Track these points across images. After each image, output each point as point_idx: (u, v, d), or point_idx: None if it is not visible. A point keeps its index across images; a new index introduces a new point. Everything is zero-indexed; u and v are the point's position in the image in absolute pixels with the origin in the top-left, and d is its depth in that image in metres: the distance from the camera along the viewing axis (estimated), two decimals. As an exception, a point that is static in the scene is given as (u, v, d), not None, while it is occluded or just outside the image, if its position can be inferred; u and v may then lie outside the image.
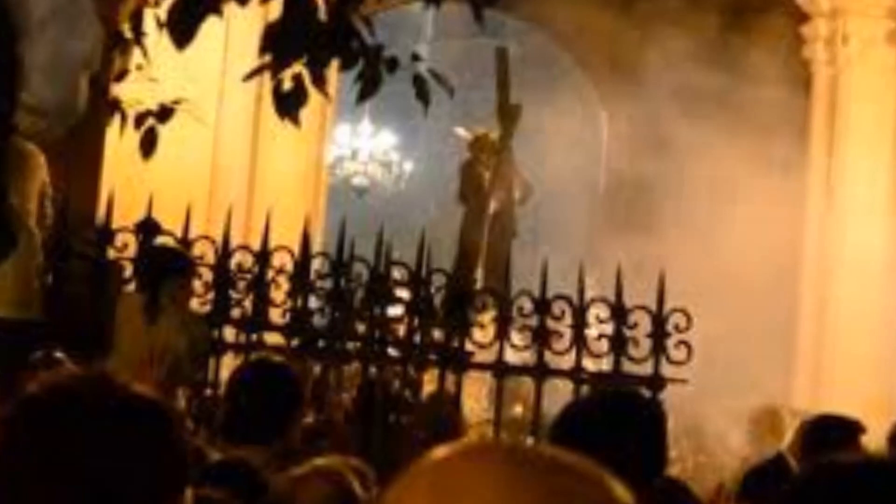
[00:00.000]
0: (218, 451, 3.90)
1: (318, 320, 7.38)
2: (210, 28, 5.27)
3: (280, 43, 5.15)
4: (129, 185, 8.16)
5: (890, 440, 5.58)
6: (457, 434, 6.70)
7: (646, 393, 6.55)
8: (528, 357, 7.67)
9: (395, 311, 7.43)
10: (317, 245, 9.27)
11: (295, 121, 5.36)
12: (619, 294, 7.17)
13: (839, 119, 13.45)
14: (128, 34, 6.65)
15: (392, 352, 7.41)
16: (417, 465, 1.14)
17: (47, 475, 1.60)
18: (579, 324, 7.18)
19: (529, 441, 6.72)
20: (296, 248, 7.32)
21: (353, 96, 5.56)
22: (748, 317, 12.23)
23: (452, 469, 1.12)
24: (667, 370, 7.10)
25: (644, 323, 7.15)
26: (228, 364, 6.65)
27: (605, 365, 7.48)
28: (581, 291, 7.24)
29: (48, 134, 6.80)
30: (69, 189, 7.02)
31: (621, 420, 2.97)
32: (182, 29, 4.99)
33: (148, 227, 7.15)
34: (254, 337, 7.13)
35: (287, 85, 5.24)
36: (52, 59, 6.75)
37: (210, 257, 7.22)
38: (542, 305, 7.15)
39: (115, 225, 7.22)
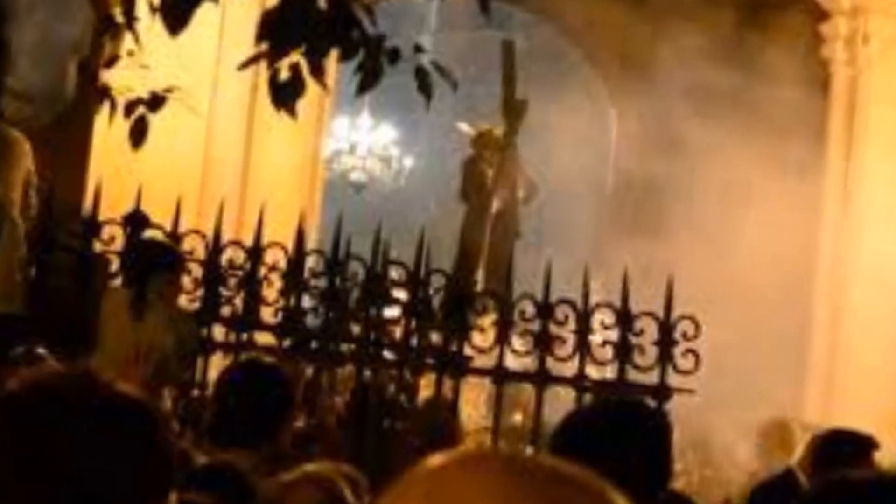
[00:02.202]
0: (204, 454, 3.86)
1: (311, 320, 7.39)
2: (205, 14, 5.31)
3: (277, 31, 5.18)
4: (117, 175, 8.28)
5: (903, 456, 5.49)
6: (453, 442, 6.69)
7: (651, 403, 6.52)
8: (529, 363, 7.70)
9: (391, 312, 7.45)
10: (311, 242, 9.35)
11: (291, 112, 5.35)
12: (625, 299, 7.17)
13: (858, 121, 13.43)
14: (119, 18, 6.64)
15: (388, 355, 7.42)
16: (412, 474, 1.12)
17: (27, 475, 1.58)
18: (583, 329, 7.17)
19: (529, 450, 6.80)
20: (289, 245, 7.32)
21: (352, 88, 5.56)
22: (759, 326, 12.29)
23: (448, 478, 1.10)
24: (673, 379, 7.11)
25: (650, 330, 7.14)
26: (217, 364, 6.66)
27: (610, 373, 7.52)
28: (585, 296, 7.22)
29: (34, 120, 6.77)
30: (55, 178, 7.06)
31: (625, 431, 2.92)
32: (176, 14, 5.04)
33: (136, 220, 7.16)
34: (244, 336, 7.16)
35: (284, 75, 5.24)
36: (39, 43, 6.64)
37: (200, 252, 7.23)
38: (545, 309, 7.13)
39: (102, 217, 7.24)
